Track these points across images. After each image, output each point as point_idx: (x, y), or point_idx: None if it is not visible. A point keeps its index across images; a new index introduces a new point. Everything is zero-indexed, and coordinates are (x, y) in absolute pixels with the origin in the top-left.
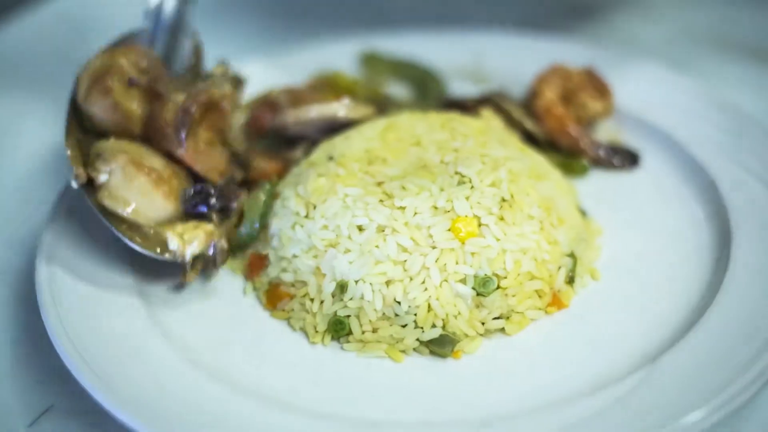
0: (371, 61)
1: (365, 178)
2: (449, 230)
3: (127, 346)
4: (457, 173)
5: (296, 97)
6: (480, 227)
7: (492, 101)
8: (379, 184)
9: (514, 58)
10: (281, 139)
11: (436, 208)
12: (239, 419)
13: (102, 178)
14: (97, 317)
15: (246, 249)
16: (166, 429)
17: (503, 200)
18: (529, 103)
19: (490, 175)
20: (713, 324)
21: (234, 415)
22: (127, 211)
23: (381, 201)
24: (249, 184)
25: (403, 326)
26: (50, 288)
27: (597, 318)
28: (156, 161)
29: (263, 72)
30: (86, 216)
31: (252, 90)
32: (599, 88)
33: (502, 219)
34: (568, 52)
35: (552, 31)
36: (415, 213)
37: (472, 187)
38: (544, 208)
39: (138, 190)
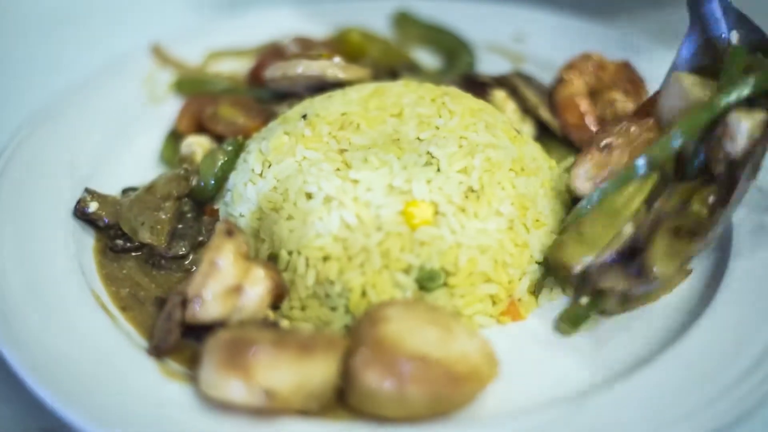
0: (403, 23)
1: (330, 142)
2: (401, 213)
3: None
4: (427, 153)
5: (307, 48)
6: (436, 215)
7: (509, 83)
8: (342, 151)
9: (558, 41)
10: (276, 92)
11: (392, 187)
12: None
13: None
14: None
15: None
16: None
17: (471, 190)
18: (553, 91)
19: (461, 161)
20: (696, 341)
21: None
22: None
23: (337, 170)
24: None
25: (333, 309)
26: None
27: (548, 336)
28: None
29: (290, 19)
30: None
31: (273, 36)
32: (634, 84)
33: (463, 210)
34: (617, 41)
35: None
36: (368, 189)
37: (438, 170)
38: (518, 206)
39: None
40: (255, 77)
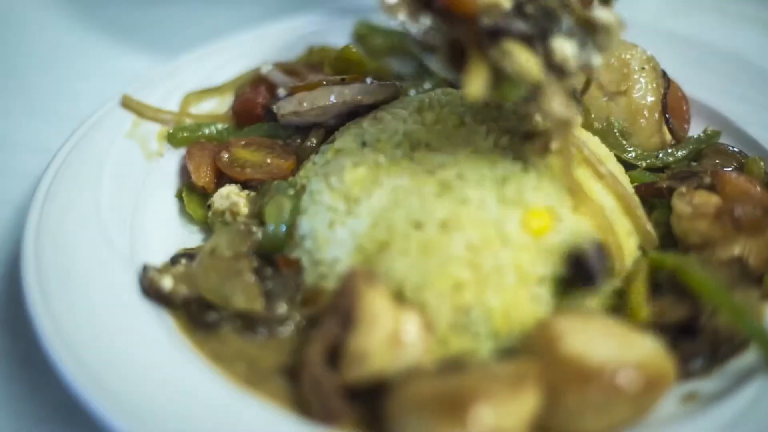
0: (366, 34)
1: (412, 166)
2: (521, 225)
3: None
4: (515, 159)
5: (291, 73)
6: (553, 220)
7: None
8: (430, 172)
9: None
10: (286, 126)
11: (504, 199)
12: None
13: None
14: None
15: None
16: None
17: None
18: None
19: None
20: None
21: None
22: None
23: (438, 193)
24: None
25: (475, 336)
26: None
27: None
28: None
29: (247, 47)
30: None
31: (235, 69)
32: None
33: (575, 208)
34: None
35: None
36: (480, 207)
37: (538, 173)
38: (613, 195)
39: None
40: (242, 113)
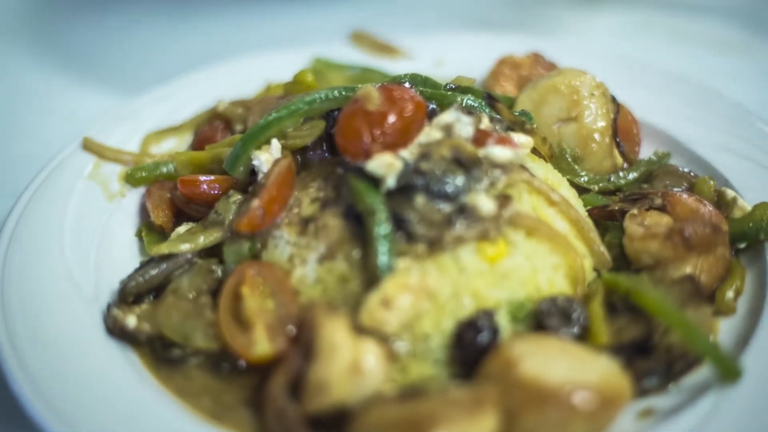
0: (323, 69)
1: None
2: (476, 252)
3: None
4: None
5: (248, 110)
6: (508, 246)
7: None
8: None
9: (475, 57)
10: None
11: None
12: None
13: None
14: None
15: None
16: None
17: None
18: None
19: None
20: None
21: None
22: None
23: None
24: None
25: (436, 362)
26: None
27: None
28: None
29: (206, 84)
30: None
31: (194, 107)
32: (548, 69)
33: (530, 235)
34: (512, 46)
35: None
36: None
37: None
38: (567, 220)
39: None
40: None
